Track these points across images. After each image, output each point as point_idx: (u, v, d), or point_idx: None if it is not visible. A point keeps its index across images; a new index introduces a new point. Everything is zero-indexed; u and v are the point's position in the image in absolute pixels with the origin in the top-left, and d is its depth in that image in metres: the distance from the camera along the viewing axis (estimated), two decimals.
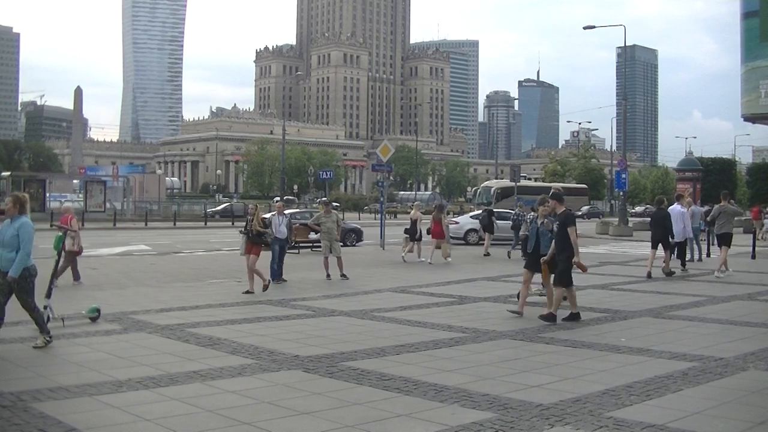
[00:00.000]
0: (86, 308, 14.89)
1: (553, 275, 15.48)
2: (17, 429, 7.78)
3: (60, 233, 14.57)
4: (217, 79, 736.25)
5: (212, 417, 8.32)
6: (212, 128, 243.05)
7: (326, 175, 69.26)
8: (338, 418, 8.27)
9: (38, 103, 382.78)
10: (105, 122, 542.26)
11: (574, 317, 15.07)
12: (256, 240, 20.44)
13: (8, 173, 78.57)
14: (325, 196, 71.41)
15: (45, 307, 13.78)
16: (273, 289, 20.33)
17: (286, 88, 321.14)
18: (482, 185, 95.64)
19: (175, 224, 63.71)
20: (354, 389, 9.63)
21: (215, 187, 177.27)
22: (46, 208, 65.00)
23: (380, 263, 29.31)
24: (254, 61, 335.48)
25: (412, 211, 32.28)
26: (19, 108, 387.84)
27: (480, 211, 44.13)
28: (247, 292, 19.51)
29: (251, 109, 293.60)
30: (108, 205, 70.30)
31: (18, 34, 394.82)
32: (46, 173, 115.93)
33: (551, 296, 15.44)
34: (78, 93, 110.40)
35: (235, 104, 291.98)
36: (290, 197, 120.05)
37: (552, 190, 16.36)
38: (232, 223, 63.83)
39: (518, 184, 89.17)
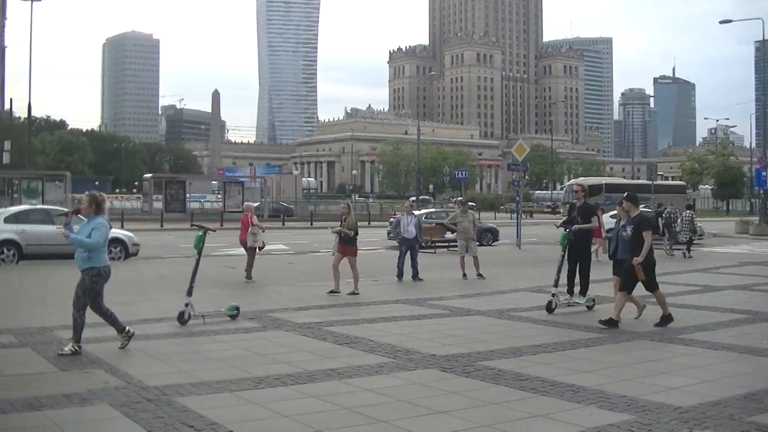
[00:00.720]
0: (226, 306, 15.18)
1: (639, 282, 14.50)
2: (161, 422, 7.99)
3: (200, 233, 14.82)
4: (351, 80, 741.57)
5: (349, 414, 8.40)
6: (347, 129, 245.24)
7: (461, 174, 69.18)
8: (474, 418, 8.26)
9: (178, 106, 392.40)
10: (242, 124, 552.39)
11: (667, 320, 14.44)
12: (347, 240, 19.95)
13: (150, 175, 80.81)
14: (460, 196, 71.35)
15: (186, 305, 14.15)
16: (410, 288, 20.43)
17: (419, 88, 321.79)
18: (567, 183, 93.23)
19: (311, 224, 64.41)
20: (490, 389, 9.60)
21: (351, 187, 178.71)
22: (186, 208, 66.64)
23: (516, 263, 29.13)
24: (388, 62, 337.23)
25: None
26: (160, 112, 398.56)
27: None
28: (331, 292, 19.33)
29: (386, 110, 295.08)
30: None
31: (158, 41, 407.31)
32: (185, 174, 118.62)
33: (619, 301, 14.54)
34: (216, 96, 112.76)
35: (369, 105, 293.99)
36: (425, 197, 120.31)
37: (627, 192, 15.79)
38: (368, 223, 64.24)
39: (607, 181, 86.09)
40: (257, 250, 22.60)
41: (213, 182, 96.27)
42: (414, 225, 22.94)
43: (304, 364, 10.84)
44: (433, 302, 17.76)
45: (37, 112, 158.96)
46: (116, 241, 28.37)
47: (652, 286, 14.51)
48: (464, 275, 23.10)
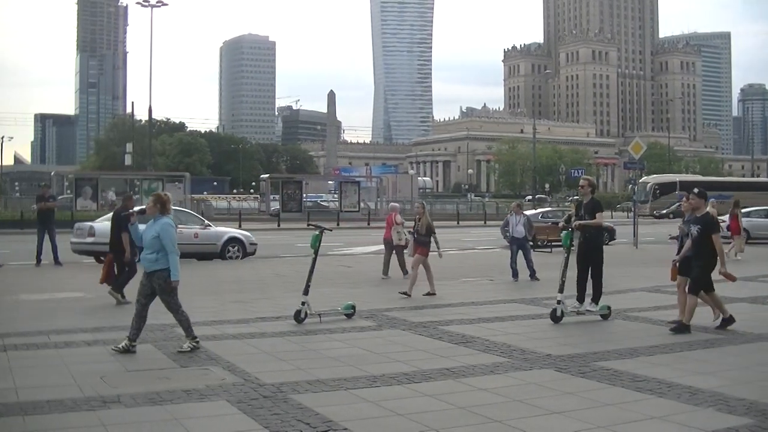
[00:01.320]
0: (342, 305, 15.29)
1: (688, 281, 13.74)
2: (277, 419, 8.10)
3: (317, 232, 14.95)
4: (466, 79, 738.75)
5: (464, 414, 8.38)
6: (463, 128, 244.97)
7: (577, 173, 68.53)
8: (589, 419, 8.17)
9: (294, 107, 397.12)
10: (358, 124, 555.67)
11: (728, 322, 13.67)
12: (421, 240, 19.13)
13: (267, 175, 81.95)
14: (576, 195, 70.68)
15: (303, 303, 14.30)
16: (525, 288, 20.30)
17: (535, 87, 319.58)
18: (640, 181, 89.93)
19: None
20: (606, 390, 9.49)
21: (467, 186, 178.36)
22: (303, 207, 67.35)
23: (633, 262, 28.71)
24: (502, 61, 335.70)
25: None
26: (276, 113, 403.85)
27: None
28: (428, 294, 18.58)
29: (501, 109, 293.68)
30: (362, 204, 71.94)
31: (274, 43, 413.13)
32: (302, 175, 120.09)
33: (682, 303, 13.92)
34: (331, 97, 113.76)
35: (485, 104, 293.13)
36: (541, 196, 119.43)
37: (696, 188, 14.95)
38: (484, 222, 64.06)
39: (681, 179, 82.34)
40: (403, 247, 22.99)
41: (329, 182, 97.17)
42: (523, 224, 22.80)
43: (419, 363, 10.87)
44: (548, 302, 17.53)
45: (157, 115, 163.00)
46: (234, 241, 28.89)
47: (698, 288, 13.46)
48: None
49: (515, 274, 22.34)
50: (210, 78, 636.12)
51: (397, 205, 25.63)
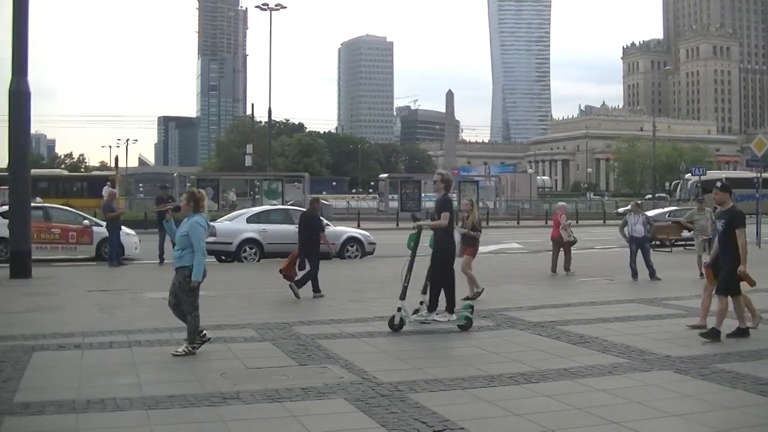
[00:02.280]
0: (461, 305, 15.28)
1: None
2: (394, 417, 8.16)
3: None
4: (585, 77, 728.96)
5: (581, 415, 8.32)
6: (581, 127, 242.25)
7: (698, 171, 67.09)
8: (709, 422, 8.02)
9: (412, 107, 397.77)
10: (475, 123, 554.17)
11: (742, 333, 12.77)
12: (468, 240, 18.32)
13: (386, 175, 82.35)
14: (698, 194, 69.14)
15: (421, 303, 14.15)
16: (645, 288, 20.03)
17: (654, 84, 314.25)
18: (685, 177, 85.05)
19: (546, 222, 63.90)
20: (727, 392, 9.30)
21: (586, 185, 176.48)
22: (422, 207, 67.44)
23: (756, 262, 27.93)
24: (621, 58, 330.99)
25: None
26: (395, 113, 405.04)
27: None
28: (466, 298, 16.97)
29: (620, 107, 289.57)
30: (480, 204, 71.65)
31: (391, 43, 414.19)
32: (420, 174, 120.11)
33: (705, 307, 13.50)
34: (449, 96, 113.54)
35: (603, 102, 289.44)
36: (662, 195, 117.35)
37: (719, 181, 14.11)
38: (604, 222, 63.29)
39: (728, 175, 78.20)
40: (572, 244, 24.74)
41: None
42: (641, 223, 22.52)
43: (536, 363, 10.81)
44: (668, 302, 17.33)
45: (276, 116, 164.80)
46: (353, 240, 29.12)
47: (727, 289, 12.76)
48: (702, 275, 22.40)
49: (634, 274, 22.08)
50: (328, 79, 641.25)
51: (563, 204, 26.10)
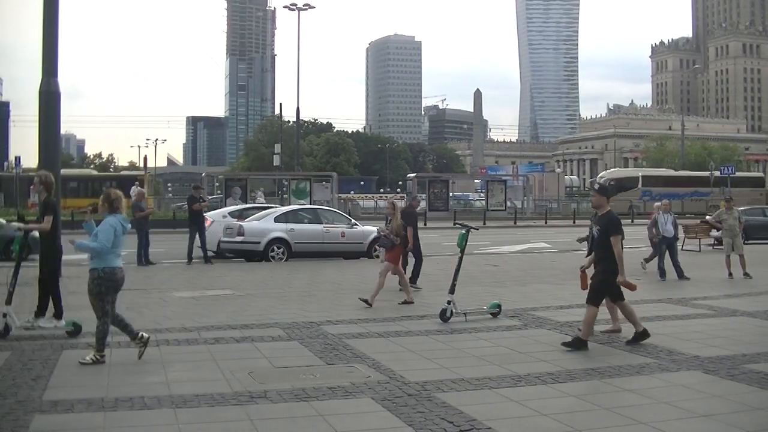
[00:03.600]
0: (488, 304, 15.29)
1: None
2: (421, 417, 8.17)
3: (463, 231, 14.98)
4: (614, 76, 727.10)
5: (608, 415, 8.31)
6: (610, 126, 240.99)
7: (727, 170, 66.67)
8: (737, 423, 7.99)
9: (440, 107, 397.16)
10: (503, 123, 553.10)
11: (641, 336, 12.27)
12: (384, 243, 17.29)
13: (414, 174, 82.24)
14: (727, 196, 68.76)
15: (449, 302, 14.34)
16: (673, 287, 19.94)
17: (683, 83, 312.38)
18: (599, 176, 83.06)
19: (574, 222, 63.77)
20: (756, 393, 9.25)
21: (614, 183, 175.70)
22: (450, 206, 67.43)
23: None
24: (650, 56, 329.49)
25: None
26: (423, 112, 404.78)
27: None
28: (404, 302, 16.73)
29: (648, 105, 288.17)
30: (508, 203, 71.53)
31: (420, 43, 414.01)
32: (448, 174, 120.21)
33: (612, 311, 13.27)
34: (477, 96, 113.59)
35: (632, 101, 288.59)
36: None
37: (597, 183, 13.40)
38: (632, 221, 63.01)
39: (644, 173, 76.34)
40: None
41: (476, 181, 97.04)
42: (671, 223, 22.44)
43: (564, 363, 10.80)
44: (696, 302, 17.25)
45: (304, 116, 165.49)
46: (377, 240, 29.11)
47: (597, 297, 12.34)
48: (730, 274, 22.33)
49: (662, 274, 22.01)
50: (356, 79, 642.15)
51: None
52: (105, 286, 11.04)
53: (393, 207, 17.91)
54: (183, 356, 11.32)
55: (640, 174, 77.74)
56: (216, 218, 30.09)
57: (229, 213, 31.66)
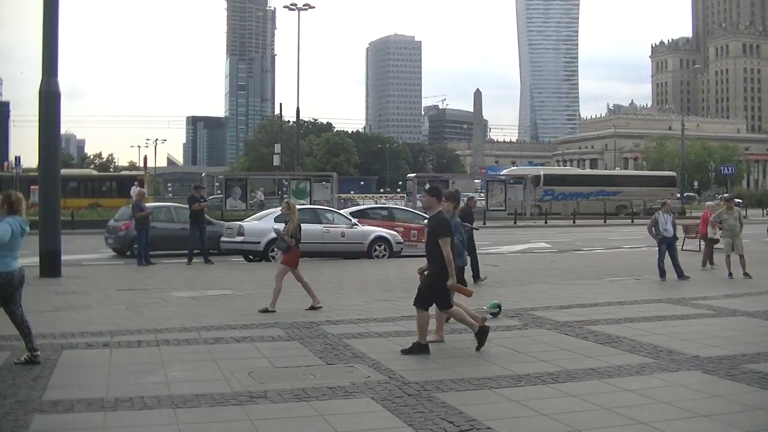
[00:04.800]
0: (488, 304, 15.28)
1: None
2: (421, 417, 8.18)
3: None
4: (614, 76, 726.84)
5: (608, 415, 8.30)
6: (610, 126, 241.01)
7: (727, 170, 66.76)
8: (738, 423, 7.98)
9: (440, 107, 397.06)
10: (503, 123, 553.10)
11: (420, 349, 11.49)
12: (280, 246, 16.54)
13: (414, 174, 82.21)
14: (726, 193, 68.82)
15: None
16: (673, 287, 19.94)
17: (683, 83, 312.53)
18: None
19: (574, 222, 63.81)
20: (756, 393, 9.25)
21: None
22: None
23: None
24: (650, 57, 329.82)
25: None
26: (423, 112, 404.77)
27: None
28: (265, 310, 15.63)
29: (648, 105, 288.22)
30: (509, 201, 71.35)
31: (420, 43, 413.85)
32: (449, 174, 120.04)
33: (440, 320, 12.54)
34: (477, 96, 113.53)
35: (632, 101, 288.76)
36: (690, 194, 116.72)
37: (428, 183, 12.96)
38: (632, 221, 63.08)
39: (546, 172, 75.30)
40: (715, 242, 25.74)
41: (476, 181, 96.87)
42: (671, 223, 22.45)
43: (564, 363, 10.79)
44: (696, 302, 17.25)
45: (304, 116, 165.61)
46: (381, 240, 29.12)
47: (423, 303, 11.74)
48: (730, 274, 22.34)
49: (662, 274, 21.97)
50: (356, 79, 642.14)
51: (712, 204, 26.68)
52: (4, 291, 10.52)
53: (288, 207, 16.89)
54: (183, 356, 11.31)
55: (542, 173, 76.94)
56: None
57: (350, 213, 31.87)
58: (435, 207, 11.92)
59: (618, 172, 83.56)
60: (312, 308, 15.85)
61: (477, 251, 21.92)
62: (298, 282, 16.33)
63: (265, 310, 15.47)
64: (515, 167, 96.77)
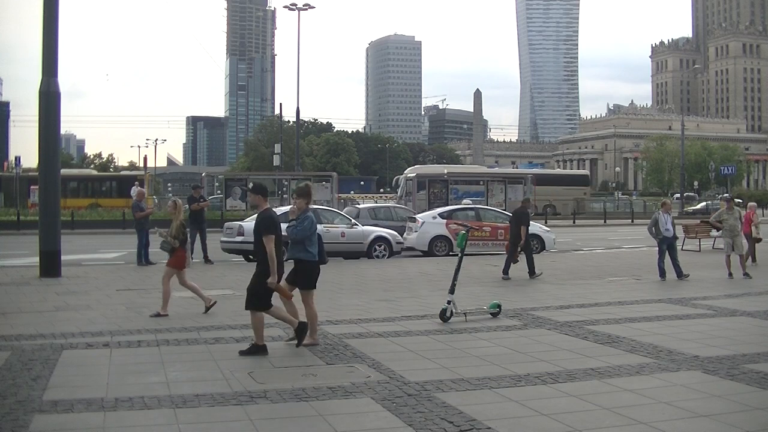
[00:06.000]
0: (488, 304, 15.29)
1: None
2: (421, 417, 8.18)
3: (463, 231, 15.05)
4: (614, 76, 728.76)
5: (608, 415, 8.30)
6: (610, 126, 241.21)
7: (727, 170, 66.70)
8: (738, 423, 7.98)
9: (440, 107, 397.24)
10: (503, 123, 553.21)
11: (258, 350, 11.39)
12: (164, 247, 15.68)
13: (414, 174, 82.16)
14: (726, 193, 68.78)
15: (449, 302, 14.36)
16: (673, 287, 19.94)
17: (683, 83, 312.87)
18: (405, 172, 79.45)
19: (574, 222, 63.81)
20: (756, 393, 9.24)
21: (614, 184, 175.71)
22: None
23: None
24: (650, 57, 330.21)
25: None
26: (423, 112, 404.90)
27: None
28: (157, 314, 15.05)
29: (648, 105, 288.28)
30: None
31: (420, 43, 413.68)
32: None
33: (286, 317, 12.10)
34: (477, 95, 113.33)
35: (632, 101, 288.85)
36: (690, 194, 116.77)
37: (252, 183, 12.55)
38: (632, 221, 63.09)
39: (450, 170, 74.62)
40: (757, 241, 27.01)
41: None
42: (671, 223, 22.45)
43: (564, 363, 10.79)
44: (696, 302, 17.25)
45: (304, 116, 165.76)
46: (381, 240, 29.14)
47: (254, 303, 11.57)
48: (730, 274, 22.33)
49: (662, 274, 21.97)
50: (356, 79, 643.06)
51: (754, 204, 27.12)
52: None
53: (174, 207, 16.12)
54: (183, 356, 11.31)
55: (446, 171, 76.28)
56: (426, 219, 31.82)
57: (438, 214, 32.43)
58: (262, 205, 11.86)
59: (527, 170, 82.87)
60: (207, 309, 15.43)
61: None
62: (182, 286, 15.74)
63: (157, 315, 14.96)
64: (418, 165, 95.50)
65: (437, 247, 30.93)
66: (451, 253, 30.04)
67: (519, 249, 22.87)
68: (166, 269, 15.63)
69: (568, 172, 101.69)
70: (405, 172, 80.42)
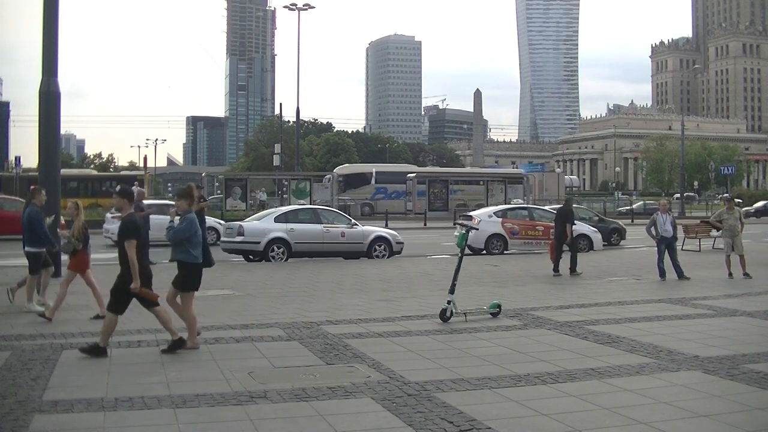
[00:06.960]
0: (488, 304, 15.28)
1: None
2: (421, 417, 8.17)
3: (463, 231, 15.07)
4: (614, 76, 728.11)
5: (609, 415, 8.30)
6: (610, 126, 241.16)
7: (727, 170, 66.70)
8: (738, 423, 7.98)
9: (440, 107, 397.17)
10: (504, 123, 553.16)
11: (98, 351, 11.13)
12: (66, 249, 15.55)
13: (413, 174, 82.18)
14: (726, 193, 68.78)
15: (449, 302, 14.36)
16: (673, 287, 19.94)
17: (683, 83, 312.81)
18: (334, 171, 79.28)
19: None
20: (756, 393, 9.24)
21: (614, 184, 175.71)
22: (450, 206, 67.40)
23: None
24: (650, 57, 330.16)
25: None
26: (423, 112, 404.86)
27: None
28: (96, 317, 14.65)
29: (648, 105, 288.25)
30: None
31: (420, 43, 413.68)
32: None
33: (189, 322, 12.03)
34: (477, 95, 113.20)
35: (632, 101, 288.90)
36: (690, 194, 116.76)
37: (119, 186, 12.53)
38: (632, 221, 63.02)
39: (379, 169, 74.67)
40: None
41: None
42: (670, 223, 22.44)
43: (564, 363, 10.79)
44: (696, 302, 17.25)
45: (304, 116, 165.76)
46: (381, 240, 29.13)
47: (113, 307, 11.42)
48: (730, 274, 22.33)
49: (662, 274, 21.97)
50: (356, 79, 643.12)
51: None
52: None
53: (76, 208, 15.75)
54: (183, 356, 11.31)
55: (374, 170, 75.92)
56: (483, 218, 32.04)
57: (494, 213, 33.24)
58: (126, 208, 11.85)
59: (461, 169, 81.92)
60: (97, 317, 14.49)
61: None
62: (89, 287, 15.34)
63: (42, 315, 14.54)
64: (344, 165, 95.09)
65: (493, 245, 31.63)
66: (506, 252, 31.26)
67: (564, 246, 23.99)
68: (68, 272, 15.29)
69: (502, 170, 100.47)
70: (334, 170, 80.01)
